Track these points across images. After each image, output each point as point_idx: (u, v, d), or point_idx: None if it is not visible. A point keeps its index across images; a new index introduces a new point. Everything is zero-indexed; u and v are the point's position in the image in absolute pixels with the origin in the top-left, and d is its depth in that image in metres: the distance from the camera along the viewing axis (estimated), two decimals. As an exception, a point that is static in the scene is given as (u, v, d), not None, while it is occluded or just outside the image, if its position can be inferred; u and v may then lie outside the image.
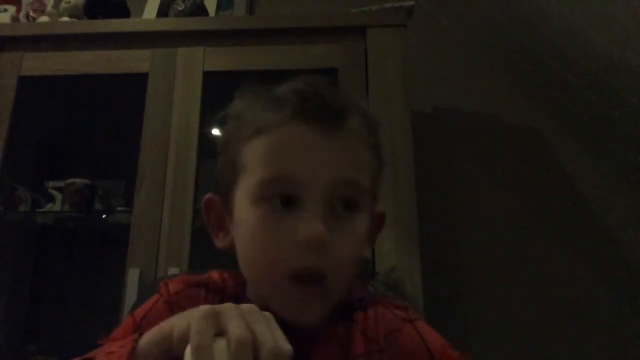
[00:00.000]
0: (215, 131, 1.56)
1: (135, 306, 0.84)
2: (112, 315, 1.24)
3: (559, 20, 1.49)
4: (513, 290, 1.59)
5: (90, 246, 1.73)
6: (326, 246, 0.51)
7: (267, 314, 0.43)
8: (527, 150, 1.75)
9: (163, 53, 1.47)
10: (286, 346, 0.40)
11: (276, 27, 1.50)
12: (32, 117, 1.60)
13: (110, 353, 0.47)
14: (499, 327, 1.56)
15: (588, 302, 1.57)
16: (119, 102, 1.62)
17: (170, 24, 1.55)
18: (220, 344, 0.40)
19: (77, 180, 1.53)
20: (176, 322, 0.44)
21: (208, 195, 0.62)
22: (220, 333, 0.40)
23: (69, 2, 1.63)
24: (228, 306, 0.42)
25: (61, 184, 1.54)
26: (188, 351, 0.40)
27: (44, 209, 1.56)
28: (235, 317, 0.40)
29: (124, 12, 1.65)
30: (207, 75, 1.44)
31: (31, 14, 1.71)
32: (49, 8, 1.69)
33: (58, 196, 1.55)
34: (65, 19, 1.63)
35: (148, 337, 0.45)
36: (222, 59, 1.46)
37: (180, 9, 1.58)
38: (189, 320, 0.41)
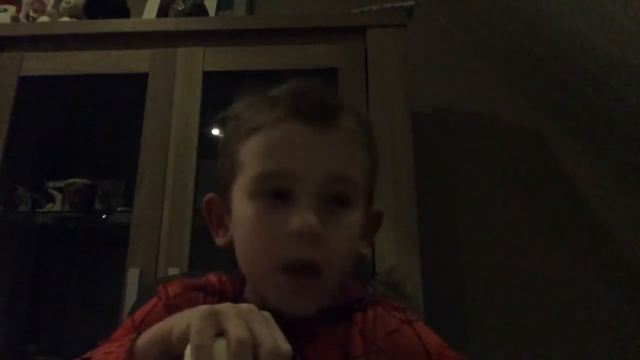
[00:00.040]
0: (215, 131, 1.56)
1: (135, 306, 0.84)
2: (112, 315, 1.24)
3: (559, 20, 1.49)
4: (513, 290, 1.59)
5: (90, 246, 1.73)
6: (318, 237, 0.53)
7: (266, 313, 0.43)
8: (527, 150, 1.75)
9: (163, 53, 1.47)
10: (285, 346, 0.41)
11: (276, 27, 1.50)
12: (32, 117, 1.60)
13: (108, 353, 0.47)
14: (499, 327, 1.56)
15: (588, 302, 1.57)
16: (119, 102, 1.62)
17: (170, 24, 1.55)
18: (220, 344, 0.40)
19: (77, 180, 1.53)
20: (175, 322, 0.44)
21: (209, 195, 0.64)
22: (220, 333, 0.40)
23: (69, 2, 1.63)
24: (227, 306, 0.42)
25: (61, 184, 1.54)
26: (188, 351, 0.40)
27: (44, 209, 1.56)
28: (235, 316, 0.41)
29: (124, 12, 1.65)
30: (207, 75, 1.44)
31: (31, 14, 1.71)
32: (49, 8, 1.69)
33: (58, 196, 1.55)
34: (65, 19, 1.63)
35: (146, 337, 0.45)
36: (222, 59, 1.46)
37: (180, 9, 1.58)
38: (189, 320, 0.41)
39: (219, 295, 0.60)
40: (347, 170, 0.57)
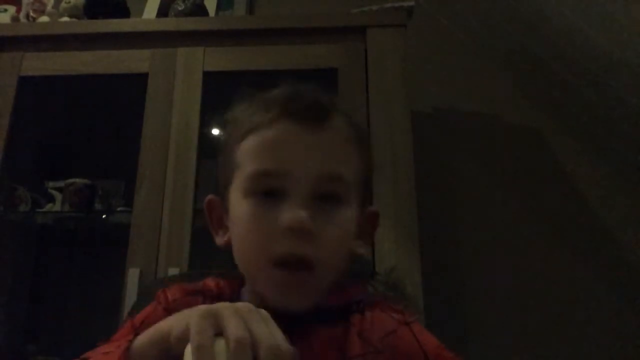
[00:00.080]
0: (215, 131, 1.56)
1: (135, 307, 0.84)
2: (112, 315, 1.24)
3: (559, 20, 1.49)
4: (513, 290, 1.59)
5: (90, 246, 1.73)
6: (309, 232, 0.54)
7: (264, 311, 0.43)
8: (527, 150, 1.75)
9: (163, 53, 1.47)
10: (284, 344, 0.41)
11: (276, 27, 1.50)
12: (32, 117, 1.60)
13: (106, 353, 0.48)
14: (499, 327, 1.56)
15: (588, 302, 1.57)
16: (119, 102, 1.62)
17: (170, 24, 1.55)
18: (220, 344, 0.40)
19: (77, 180, 1.53)
20: (174, 323, 0.44)
21: (209, 197, 0.65)
22: (219, 333, 0.40)
23: (69, 2, 1.63)
24: (225, 306, 0.42)
25: (61, 184, 1.54)
26: (188, 351, 0.40)
27: (44, 209, 1.56)
28: (233, 316, 0.41)
29: (124, 12, 1.65)
30: (207, 75, 1.44)
31: (31, 14, 1.71)
32: (49, 8, 1.69)
33: (58, 196, 1.55)
34: (65, 19, 1.63)
35: (144, 337, 0.46)
36: (222, 59, 1.46)
37: (180, 9, 1.58)
38: (187, 320, 0.41)
39: (217, 299, 0.60)
40: (339, 169, 0.58)
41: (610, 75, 1.49)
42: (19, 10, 1.75)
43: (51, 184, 1.58)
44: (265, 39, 1.46)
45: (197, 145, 1.38)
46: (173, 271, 1.24)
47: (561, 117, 1.76)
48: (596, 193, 1.68)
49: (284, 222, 0.54)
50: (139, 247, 1.29)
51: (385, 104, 1.36)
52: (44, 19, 1.67)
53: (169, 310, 0.58)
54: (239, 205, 0.59)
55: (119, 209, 1.52)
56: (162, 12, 1.66)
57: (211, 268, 0.72)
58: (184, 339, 0.41)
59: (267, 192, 0.57)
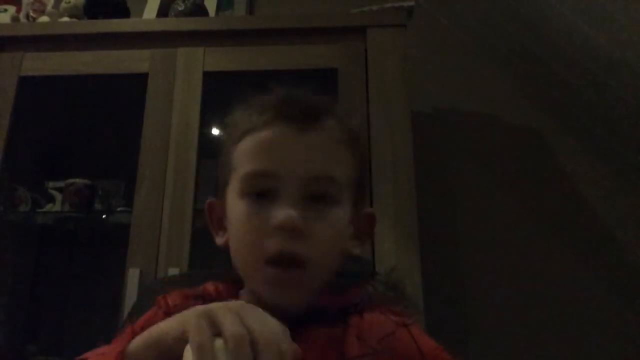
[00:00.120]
0: (215, 131, 1.56)
1: (135, 307, 0.84)
2: (112, 315, 1.24)
3: (559, 20, 1.49)
4: (513, 290, 1.59)
5: (90, 246, 1.73)
6: (299, 230, 0.55)
7: (257, 308, 0.44)
8: (527, 150, 1.75)
9: (163, 53, 1.47)
10: (283, 338, 0.42)
11: (276, 27, 1.50)
12: (32, 117, 1.60)
13: (102, 354, 0.49)
14: (499, 327, 1.56)
15: (588, 302, 1.57)
16: (119, 102, 1.62)
17: (170, 24, 1.55)
18: (219, 343, 0.40)
19: (77, 180, 1.53)
20: (169, 325, 0.45)
21: (209, 200, 0.67)
22: (217, 333, 0.41)
23: (69, 2, 1.63)
24: (218, 305, 0.43)
25: (61, 184, 1.54)
26: (188, 352, 0.40)
27: (44, 209, 1.56)
28: (228, 313, 0.42)
29: (124, 12, 1.65)
30: (207, 75, 1.43)
31: (31, 14, 1.71)
32: (49, 8, 1.69)
33: (58, 196, 1.55)
34: (65, 19, 1.63)
35: (139, 341, 0.47)
36: (222, 59, 1.46)
37: (180, 9, 1.58)
38: (184, 321, 0.42)
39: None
40: (329, 170, 0.60)
41: (610, 75, 1.49)
42: (19, 10, 1.75)
43: (51, 184, 1.58)
44: (265, 39, 1.46)
45: (197, 145, 1.38)
46: (173, 271, 1.24)
47: (561, 117, 1.76)
48: (596, 193, 1.68)
49: (275, 221, 0.56)
50: (139, 247, 1.29)
51: (385, 104, 1.36)
52: (44, 19, 1.67)
53: (169, 315, 0.59)
54: (234, 206, 0.60)
55: (119, 209, 1.52)
56: (162, 12, 1.66)
57: (211, 268, 0.72)
58: (182, 340, 0.41)
59: (261, 192, 0.58)
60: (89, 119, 1.74)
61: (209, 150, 1.40)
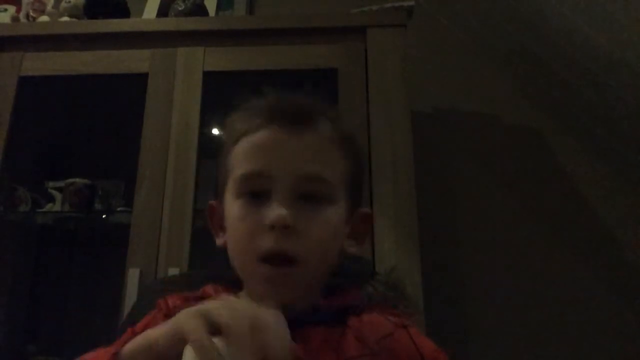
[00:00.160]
0: (215, 131, 1.56)
1: (135, 307, 0.84)
2: (112, 315, 1.24)
3: (559, 20, 1.49)
4: (513, 290, 1.59)
5: (90, 246, 1.73)
6: (291, 228, 0.57)
7: (248, 299, 0.47)
8: (527, 150, 1.75)
9: (163, 53, 1.47)
10: (277, 320, 0.44)
11: (276, 27, 1.50)
12: (32, 117, 1.60)
13: (97, 357, 0.50)
14: (499, 327, 1.56)
15: (588, 302, 1.57)
16: (119, 102, 1.62)
17: (170, 24, 1.55)
18: (218, 341, 0.40)
19: (77, 180, 1.53)
20: (160, 331, 0.46)
21: (210, 202, 0.69)
22: (213, 331, 0.42)
23: (69, 2, 1.63)
24: (209, 303, 0.45)
25: (61, 184, 1.54)
26: (188, 353, 0.40)
27: (44, 209, 1.56)
28: (222, 309, 0.43)
29: (124, 12, 1.65)
30: (207, 75, 1.43)
31: (31, 14, 1.71)
32: (49, 8, 1.69)
33: (58, 196, 1.55)
34: (65, 19, 1.63)
35: (133, 344, 0.47)
36: (222, 59, 1.46)
37: (180, 9, 1.58)
38: (177, 323, 0.43)
39: None
40: (320, 170, 0.61)
41: (610, 75, 1.49)
42: (19, 10, 1.75)
43: (51, 184, 1.58)
44: (265, 39, 1.46)
45: (197, 145, 1.38)
46: (173, 271, 1.24)
47: (561, 117, 1.76)
48: (596, 193, 1.68)
49: (266, 220, 0.57)
50: (139, 247, 1.29)
51: (385, 104, 1.36)
52: (44, 18, 1.67)
53: (169, 317, 0.59)
54: (231, 207, 0.62)
55: (119, 209, 1.52)
56: (162, 12, 1.66)
57: (211, 268, 0.72)
58: (172, 345, 0.43)
59: (254, 193, 0.60)
60: (89, 119, 1.74)
61: (209, 150, 1.40)
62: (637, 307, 1.56)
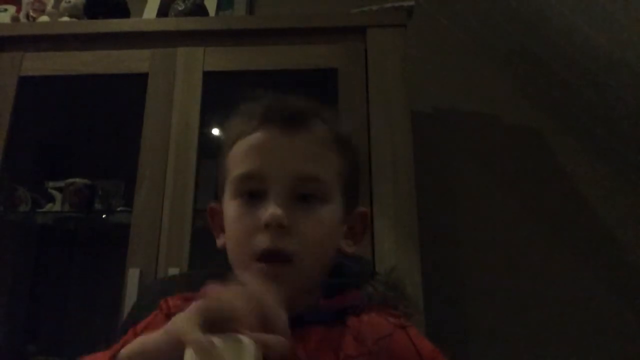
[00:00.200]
0: (215, 131, 1.56)
1: (135, 307, 0.84)
2: (112, 315, 1.24)
3: (559, 20, 1.49)
4: (513, 290, 1.59)
5: (90, 246, 1.73)
6: (285, 227, 0.58)
7: (238, 285, 0.48)
8: (527, 150, 1.75)
9: (163, 53, 1.47)
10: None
11: (276, 27, 1.50)
12: (32, 117, 1.60)
13: (94, 358, 0.50)
14: (499, 327, 1.56)
15: (588, 302, 1.57)
16: (119, 102, 1.62)
17: (170, 24, 1.55)
18: (217, 341, 0.40)
19: (77, 180, 1.53)
20: (155, 337, 0.46)
21: (211, 204, 0.70)
22: (210, 328, 0.42)
23: (69, 2, 1.63)
24: (202, 301, 0.45)
25: (61, 184, 1.54)
26: (188, 354, 0.40)
27: (44, 209, 1.56)
28: (215, 303, 0.44)
29: (124, 12, 1.65)
30: (207, 75, 1.43)
31: (31, 14, 1.71)
32: (49, 8, 1.69)
33: (58, 196, 1.55)
34: (65, 19, 1.63)
35: (130, 348, 0.47)
36: (222, 59, 1.46)
37: (180, 9, 1.58)
38: (173, 326, 0.43)
39: None
40: (314, 170, 0.62)
41: (610, 75, 1.49)
42: (19, 10, 1.75)
43: (51, 184, 1.58)
44: (265, 39, 1.46)
45: (197, 145, 1.38)
46: (173, 271, 1.24)
47: (561, 117, 1.76)
48: (596, 193, 1.68)
49: (262, 220, 0.58)
50: (139, 247, 1.29)
51: (385, 104, 1.36)
52: (44, 18, 1.67)
53: (169, 317, 0.59)
54: (228, 207, 0.63)
55: (119, 209, 1.52)
56: (162, 12, 1.66)
57: (211, 268, 0.72)
58: (166, 351, 0.43)
59: (251, 193, 0.61)
60: (89, 119, 1.74)
61: (209, 150, 1.40)
62: (637, 307, 1.56)
